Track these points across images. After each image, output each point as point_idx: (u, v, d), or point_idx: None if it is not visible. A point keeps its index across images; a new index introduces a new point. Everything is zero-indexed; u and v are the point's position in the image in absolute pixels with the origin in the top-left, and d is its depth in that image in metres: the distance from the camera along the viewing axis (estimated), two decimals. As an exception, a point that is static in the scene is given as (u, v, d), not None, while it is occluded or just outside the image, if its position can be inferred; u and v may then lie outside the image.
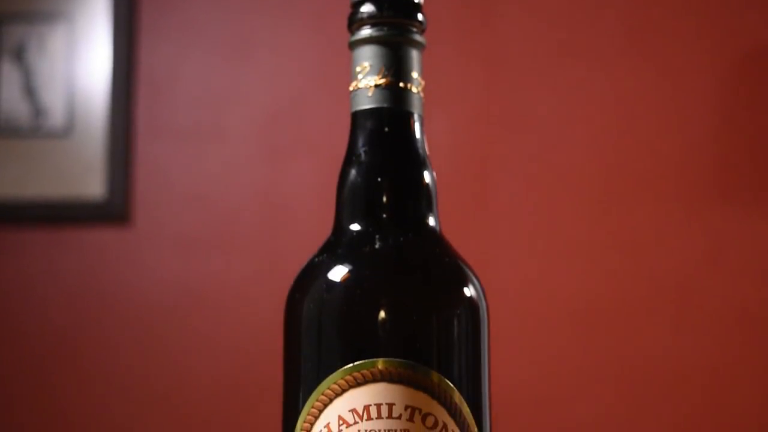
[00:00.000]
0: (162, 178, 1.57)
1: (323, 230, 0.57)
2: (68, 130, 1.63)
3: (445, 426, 0.50)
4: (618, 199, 1.51)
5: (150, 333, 1.53)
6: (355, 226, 0.54)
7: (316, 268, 0.53)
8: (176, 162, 1.57)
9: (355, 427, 0.50)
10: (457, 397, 0.51)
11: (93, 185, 1.60)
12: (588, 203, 1.51)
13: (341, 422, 0.50)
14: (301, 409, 0.51)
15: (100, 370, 1.53)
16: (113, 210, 1.59)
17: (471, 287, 0.53)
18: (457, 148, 1.52)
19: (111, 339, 1.54)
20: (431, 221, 0.54)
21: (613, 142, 1.52)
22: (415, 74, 0.55)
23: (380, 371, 0.50)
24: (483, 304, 0.54)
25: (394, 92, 0.54)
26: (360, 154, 0.54)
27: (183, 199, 1.56)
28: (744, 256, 1.49)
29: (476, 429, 0.51)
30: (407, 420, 0.49)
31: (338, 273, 0.52)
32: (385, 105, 0.54)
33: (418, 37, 0.55)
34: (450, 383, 0.50)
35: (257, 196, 1.55)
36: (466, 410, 0.51)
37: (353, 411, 0.50)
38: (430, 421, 0.50)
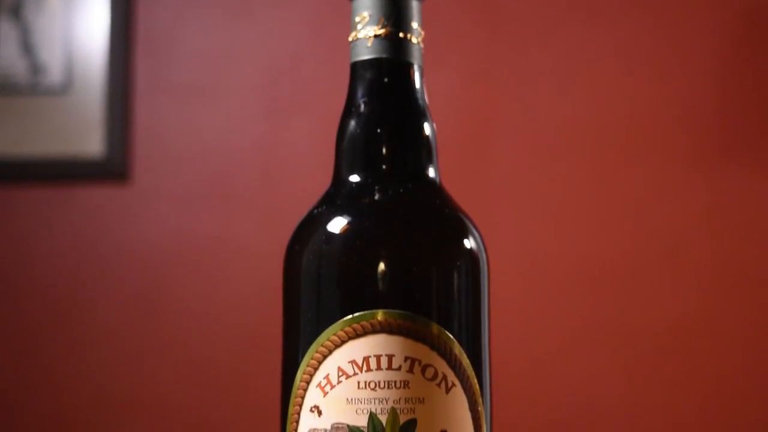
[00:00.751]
0: (161, 135, 1.57)
1: (322, 186, 0.56)
2: (66, 87, 1.62)
3: (444, 377, 0.50)
4: (618, 155, 1.50)
5: (150, 290, 1.53)
6: (354, 178, 0.53)
7: (315, 220, 0.53)
8: (175, 119, 1.56)
9: (354, 379, 0.49)
10: (457, 349, 0.50)
11: (92, 142, 1.60)
12: (587, 159, 1.50)
13: (341, 373, 0.50)
14: (301, 361, 0.51)
15: (100, 326, 1.53)
16: (112, 167, 1.59)
17: (471, 239, 0.53)
18: (458, 101, 1.51)
19: (111, 296, 1.54)
20: (431, 172, 0.54)
21: (613, 97, 1.51)
22: (414, 24, 0.54)
23: (380, 322, 0.49)
24: (483, 256, 0.53)
25: (394, 42, 0.53)
26: (359, 105, 0.54)
27: (182, 156, 1.55)
28: (743, 213, 1.49)
29: (476, 381, 0.51)
30: (407, 371, 0.49)
31: (337, 224, 0.51)
32: (384, 55, 0.53)
33: (417, -13, 0.54)
34: (450, 335, 0.50)
35: (256, 153, 1.54)
36: (465, 362, 0.51)
37: (353, 362, 0.50)
38: (429, 372, 0.50)
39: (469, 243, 0.52)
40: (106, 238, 1.56)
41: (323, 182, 0.57)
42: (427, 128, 0.54)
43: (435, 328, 0.50)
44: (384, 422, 0.49)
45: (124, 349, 1.53)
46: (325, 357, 0.50)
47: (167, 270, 1.54)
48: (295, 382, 0.51)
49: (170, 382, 1.51)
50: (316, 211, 0.53)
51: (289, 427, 0.51)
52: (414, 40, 0.54)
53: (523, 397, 1.45)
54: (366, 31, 0.53)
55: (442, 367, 0.50)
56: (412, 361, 0.49)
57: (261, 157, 1.54)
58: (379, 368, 0.49)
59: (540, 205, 1.50)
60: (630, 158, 1.50)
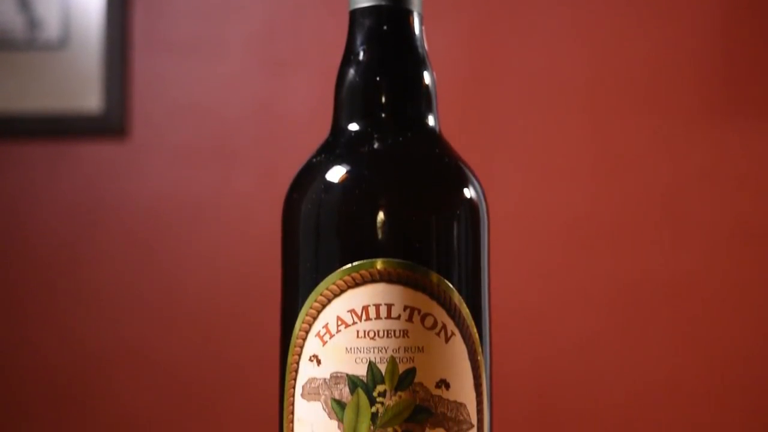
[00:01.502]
0: (160, 91, 1.56)
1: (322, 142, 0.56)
2: (64, 42, 1.61)
3: (444, 326, 0.50)
4: (618, 110, 1.49)
5: (149, 246, 1.53)
6: (353, 126, 0.53)
7: (314, 169, 0.52)
8: (174, 75, 1.55)
9: (353, 328, 0.49)
10: (457, 298, 0.50)
11: (90, 98, 1.59)
12: (588, 114, 1.49)
13: (340, 322, 0.49)
14: (300, 310, 0.51)
15: (99, 282, 1.53)
16: (111, 123, 1.58)
17: (471, 188, 0.52)
18: (458, 52, 1.50)
19: (110, 252, 1.54)
20: (431, 121, 0.54)
21: (614, 52, 1.50)
22: (414, -29, 0.53)
23: (379, 272, 0.49)
24: (483, 206, 0.53)
25: (393, -11, 0.53)
26: (358, 53, 0.53)
27: (181, 112, 1.54)
28: (744, 169, 1.48)
29: (475, 330, 0.51)
30: (406, 320, 0.49)
31: (336, 173, 0.51)
32: (383, 2, 0.53)
33: (417, -68, 0.53)
34: (449, 284, 0.50)
35: (256, 109, 1.53)
36: (465, 311, 0.51)
37: (352, 311, 0.49)
38: (429, 321, 0.49)
39: (469, 192, 0.52)
40: (104, 193, 1.55)
41: (322, 138, 0.56)
42: (426, 77, 0.53)
43: (434, 277, 0.50)
44: (383, 371, 0.49)
45: (123, 304, 1.53)
46: (323, 306, 0.50)
47: (166, 225, 1.53)
48: (294, 332, 0.51)
49: (171, 336, 1.51)
50: (314, 159, 0.53)
51: (288, 377, 0.51)
52: (414, -13, 0.53)
53: (522, 352, 1.45)
54: (365, -22, 0.53)
55: (442, 316, 0.50)
56: (411, 310, 0.49)
57: (260, 112, 1.53)
58: (378, 317, 0.49)
59: (539, 159, 1.49)
60: (630, 113, 1.49)
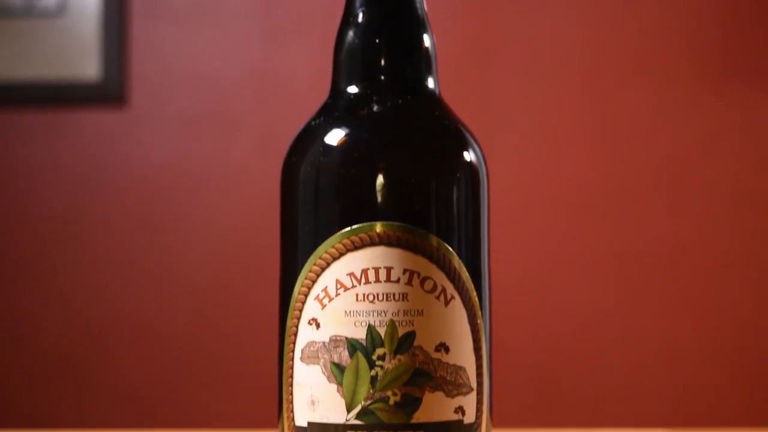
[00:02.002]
0: (158, 58, 1.55)
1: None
2: (62, 9, 1.59)
3: (444, 290, 0.50)
4: (617, 81, 1.48)
5: (148, 213, 1.53)
6: (352, 89, 0.52)
7: (313, 132, 0.52)
8: (172, 42, 1.54)
9: (353, 291, 0.49)
10: (456, 262, 0.50)
11: (88, 66, 1.58)
12: (587, 85, 1.49)
13: (339, 286, 0.49)
14: (299, 274, 0.50)
15: (98, 249, 1.53)
16: (109, 91, 1.57)
17: (471, 151, 0.52)
18: (459, 16, 1.49)
19: (109, 219, 1.54)
20: (430, 84, 0.53)
21: (613, 22, 1.49)
22: (414, -68, 0.53)
23: (378, 235, 0.49)
24: (483, 169, 0.52)
25: (393, -50, 0.52)
26: (357, 15, 0.52)
27: (180, 79, 1.54)
28: (744, 136, 1.48)
29: (475, 294, 0.51)
30: (406, 283, 0.49)
31: (335, 136, 0.51)
32: (383, -37, 0.52)
33: None
34: (449, 247, 0.50)
35: (255, 75, 1.53)
36: (465, 275, 0.50)
37: (351, 275, 0.49)
38: (429, 284, 0.49)
39: (468, 155, 0.52)
40: (103, 161, 1.55)
41: (321, 104, 0.56)
42: (426, 39, 0.53)
43: (434, 240, 0.49)
44: (382, 334, 0.49)
45: (122, 271, 1.53)
46: (323, 270, 0.50)
47: (165, 192, 1.53)
48: (293, 296, 0.51)
49: (170, 304, 1.51)
50: (313, 122, 0.52)
51: (288, 340, 0.51)
52: (413, -52, 0.53)
53: (522, 320, 1.46)
54: (364, -61, 0.52)
55: (441, 279, 0.49)
56: (410, 274, 0.49)
57: (259, 78, 1.52)
58: (377, 280, 0.49)
59: (539, 128, 1.49)
60: (630, 83, 1.48)
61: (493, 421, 0.53)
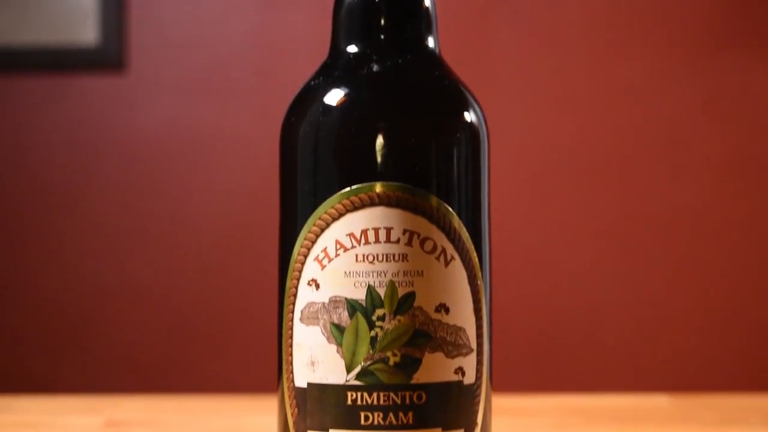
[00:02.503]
0: (156, 23, 1.54)
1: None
2: (59, -27, 1.59)
3: (443, 250, 0.49)
4: (618, 43, 1.48)
5: (148, 178, 1.53)
6: (352, 48, 0.52)
7: (312, 91, 0.51)
8: (171, 7, 1.53)
9: (352, 252, 0.49)
10: (456, 222, 0.50)
11: (87, 31, 1.57)
12: (587, 47, 1.48)
13: (338, 246, 0.49)
14: (298, 235, 0.50)
15: (98, 212, 1.53)
16: (108, 56, 1.57)
17: (471, 111, 0.51)
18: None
19: (109, 183, 1.53)
20: (430, 43, 0.53)
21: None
22: None
23: (378, 195, 0.49)
24: (483, 129, 0.52)
25: None
26: (357, -27, 0.52)
27: (178, 44, 1.53)
28: (743, 102, 1.47)
29: (475, 255, 0.51)
30: (405, 244, 0.49)
31: (335, 96, 0.50)
32: None
33: None
34: (449, 207, 0.49)
35: (253, 41, 1.52)
36: (465, 235, 0.50)
37: (350, 235, 0.49)
38: (428, 245, 0.49)
39: (469, 115, 0.51)
40: (102, 126, 1.54)
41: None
42: (426, -3, 0.52)
43: (434, 200, 0.49)
44: (382, 295, 0.48)
45: (121, 236, 1.53)
46: (322, 230, 0.49)
47: (165, 157, 1.53)
48: (292, 256, 0.50)
49: (171, 266, 1.51)
50: (313, 82, 0.52)
51: (287, 301, 0.51)
52: None
53: (521, 282, 1.46)
54: None
55: (441, 240, 0.49)
56: (410, 234, 0.49)
57: (257, 45, 1.52)
58: (377, 241, 0.49)
59: (539, 89, 1.48)
60: (631, 45, 1.48)
61: (493, 384, 0.53)
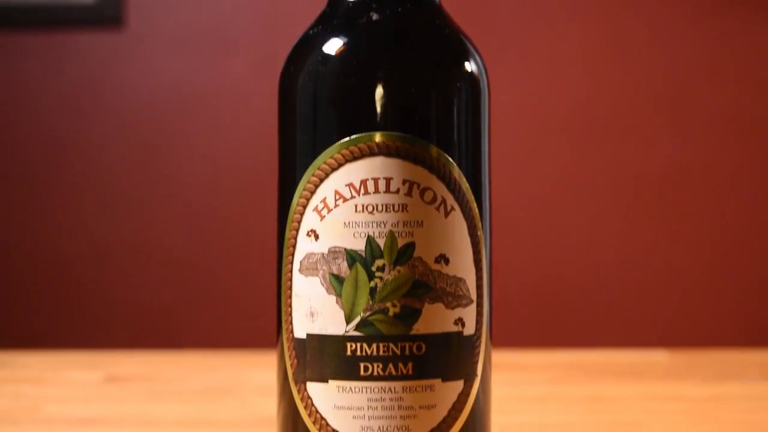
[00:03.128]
0: (154, -22, 1.53)
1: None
2: (56, -72, 1.57)
3: (444, 201, 0.49)
4: (620, 3, 1.47)
5: (146, 133, 1.52)
6: (351, -4, 0.51)
7: (311, 41, 0.51)
8: (169, -38, 1.52)
9: (351, 202, 0.49)
10: (456, 173, 0.49)
11: (84, -13, 1.56)
12: (589, 4, 1.47)
13: (338, 197, 0.49)
14: (297, 185, 0.50)
15: (96, 170, 1.53)
16: (105, 13, 1.55)
17: (472, 61, 0.51)
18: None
19: (106, 141, 1.53)
20: (431, -9, 0.52)
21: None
22: None
23: (377, 145, 0.48)
24: (484, 79, 0.52)
25: None
26: None
27: (175, 0, 1.52)
28: (741, 63, 1.46)
29: (476, 205, 0.50)
30: (405, 194, 0.48)
31: (334, 45, 0.50)
32: None
33: None
34: (449, 158, 0.49)
35: (253, -3, 1.51)
36: (465, 186, 0.50)
37: (350, 185, 0.49)
38: (428, 195, 0.49)
39: (470, 65, 0.51)
40: (100, 83, 1.53)
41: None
42: (427, -55, 0.52)
43: (434, 150, 0.49)
44: (382, 246, 0.48)
45: (121, 192, 1.52)
46: (321, 180, 0.49)
47: (163, 113, 1.52)
48: (291, 207, 0.50)
49: (167, 223, 1.51)
50: (311, 31, 0.51)
51: (286, 252, 0.51)
52: None
53: (521, 241, 1.46)
54: None
55: (441, 190, 0.49)
56: (410, 184, 0.48)
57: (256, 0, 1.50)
58: (376, 191, 0.48)
59: (540, 48, 1.47)
60: (633, 5, 1.46)
61: (493, 338, 0.53)
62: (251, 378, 0.96)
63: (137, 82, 1.52)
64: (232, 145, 1.51)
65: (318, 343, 0.49)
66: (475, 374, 0.51)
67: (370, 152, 0.48)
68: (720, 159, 1.46)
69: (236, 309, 1.50)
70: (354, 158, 0.48)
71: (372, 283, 0.48)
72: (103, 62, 1.53)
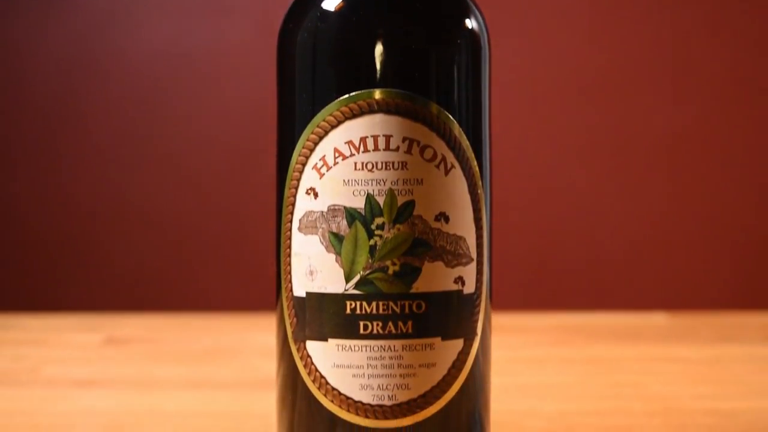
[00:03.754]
0: (152, -60, 1.51)
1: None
2: None
3: (444, 158, 0.49)
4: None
5: (144, 96, 1.52)
6: (350, -48, 0.50)
7: (309, -3, 0.50)
8: (166, -77, 1.51)
9: (351, 160, 0.48)
10: (457, 130, 0.49)
11: (81, -52, 1.55)
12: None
13: (337, 154, 0.48)
14: (296, 143, 0.49)
15: (94, 133, 1.52)
16: (103, -26, 1.54)
17: (473, 18, 0.51)
18: None
19: (104, 104, 1.52)
20: (431, -53, 0.51)
21: None
22: None
23: (377, 102, 0.48)
24: (485, 36, 0.51)
25: None
26: None
27: (175, -38, 1.51)
28: (743, 22, 1.45)
29: (476, 163, 0.50)
30: (405, 152, 0.48)
31: (333, 1, 0.49)
32: None
33: None
34: (449, 115, 0.49)
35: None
36: (465, 143, 0.49)
37: (349, 143, 0.48)
38: (428, 153, 0.48)
39: (470, 21, 0.50)
40: (98, 45, 1.53)
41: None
42: None
43: (434, 107, 0.48)
44: (381, 204, 0.48)
45: (121, 154, 1.52)
46: (321, 138, 0.49)
47: (161, 77, 1.51)
48: (290, 165, 0.50)
49: (168, 185, 1.51)
50: (310, -12, 0.51)
51: (285, 211, 0.50)
52: None
53: (521, 201, 1.45)
54: None
55: (441, 148, 0.49)
56: (410, 142, 0.48)
57: (256, -38, 1.49)
58: (376, 149, 0.48)
59: (543, 8, 1.46)
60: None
61: (493, 298, 0.53)
62: (252, 340, 0.96)
63: (135, 44, 1.52)
64: (230, 106, 1.50)
65: (317, 301, 0.49)
66: (474, 333, 0.51)
67: (370, 109, 0.48)
68: (721, 121, 1.45)
69: (237, 271, 1.50)
70: (353, 115, 0.48)
71: (371, 242, 0.48)
72: (100, 24, 1.52)
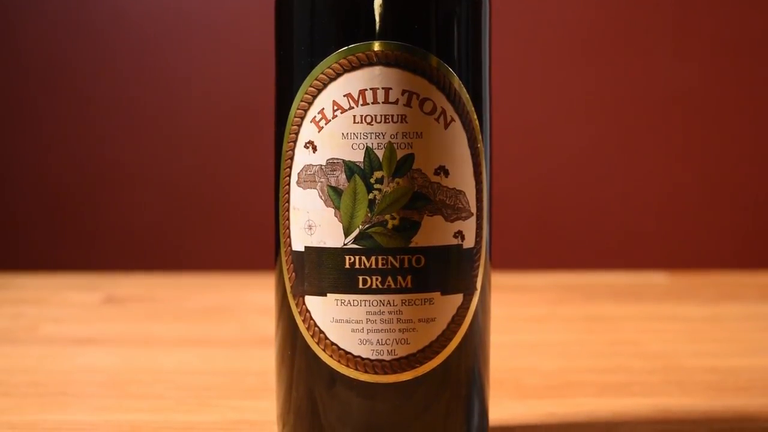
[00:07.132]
0: None
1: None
2: None
3: (443, 111, 0.48)
4: None
5: (141, 53, 1.51)
6: None
7: (307, -52, 0.50)
8: None
9: (350, 112, 0.48)
10: (456, 83, 0.49)
11: None
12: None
13: (336, 107, 0.48)
14: (294, 96, 0.49)
15: (93, 92, 1.51)
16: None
17: (473, -31, 0.50)
18: None
19: (103, 63, 1.51)
20: None
21: None
22: None
23: (376, 54, 0.47)
24: (486, -11, 0.51)
25: None
26: None
27: None
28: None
29: (476, 117, 0.50)
30: (404, 105, 0.48)
31: (331, -48, 0.48)
32: None
33: None
34: (449, 68, 0.48)
35: None
36: (465, 97, 0.49)
37: (348, 95, 0.48)
38: (428, 106, 0.48)
39: (471, -27, 0.50)
40: (94, 4, 1.51)
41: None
42: None
43: (434, 60, 0.48)
44: (380, 157, 0.48)
45: (118, 114, 1.51)
46: (319, 91, 0.48)
47: (159, 35, 1.50)
48: (288, 119, 0.49)
49: (165, 144, 1.51)
50: (308, -62, 0.50)
51: (284, 165, 0.50)
52: None
53: (521, 160, 1.45)
54: None
55: (441, 101, 0.48)
56: (409, 95, 0.48)
57: None
58: (375, 102, 0.48)
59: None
60: None
61: (492, 253, 0.53)
62: (250, 298, 0.96)
63: (133, 5, 1.51)
64: (227, 60, 1.49)
65: (316, 256, 0.49)
66: (474, 288, 0.50)
67: (369, 62, 0.47)
68: (722, 81, 1.45)
69: (236, 230, 1.49)
70: (352, 68, 0.48)
71: (371, 195, 0.48)
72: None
